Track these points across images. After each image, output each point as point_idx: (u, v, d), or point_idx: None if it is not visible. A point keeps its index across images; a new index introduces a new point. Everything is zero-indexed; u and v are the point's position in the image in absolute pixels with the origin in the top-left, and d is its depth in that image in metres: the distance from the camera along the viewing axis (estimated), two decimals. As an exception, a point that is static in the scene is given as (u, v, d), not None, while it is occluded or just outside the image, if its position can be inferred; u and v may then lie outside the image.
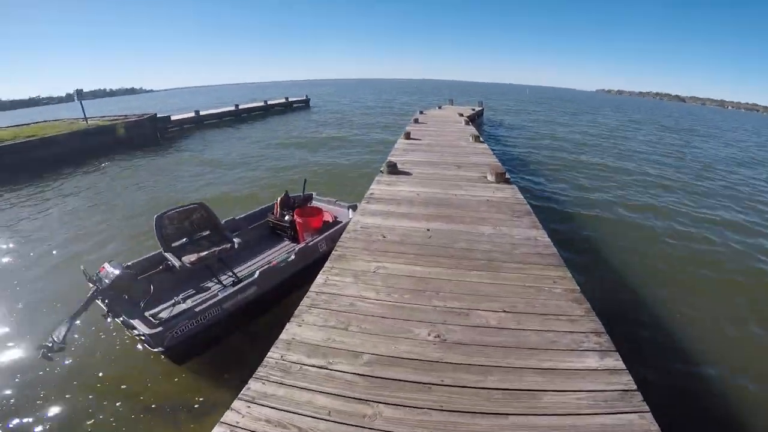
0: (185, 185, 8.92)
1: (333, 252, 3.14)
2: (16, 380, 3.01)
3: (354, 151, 12.12)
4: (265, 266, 3.37)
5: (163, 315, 3.06)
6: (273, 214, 4.72)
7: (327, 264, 2.93)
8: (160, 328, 2.61)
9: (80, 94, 12.58)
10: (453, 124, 11.86)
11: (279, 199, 4.75)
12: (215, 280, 3.54)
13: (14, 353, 3.33)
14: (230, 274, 3.62)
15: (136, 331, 2.70)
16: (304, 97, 28.46)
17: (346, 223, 3.94)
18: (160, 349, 2.60)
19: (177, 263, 3.11)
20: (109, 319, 2.86)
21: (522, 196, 4.79)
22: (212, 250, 3.34)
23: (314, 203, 5.20)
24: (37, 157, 11.14)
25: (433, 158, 6.88)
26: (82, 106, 12.93)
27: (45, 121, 16.17)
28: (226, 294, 3.04)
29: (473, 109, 17.44)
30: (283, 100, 26.26)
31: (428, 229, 3.69)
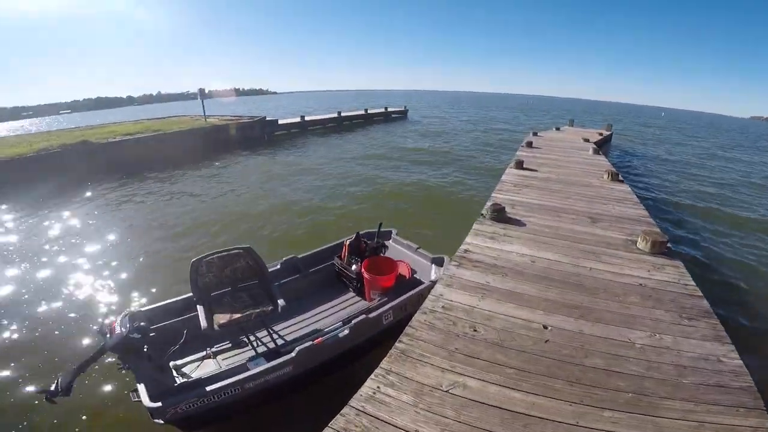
0: (276, 189, 8.93)
1: (396, 343, 2.31)
2: None
3: (452, 173, 10.53)
4: (308, 342, 2.60)
5: (187, 370, 2.70)
6: (341, 257, 3.82)
7: (383, 364, 2.14)
8: (159, 404, 2.13)
9: (202, 93, 13.77)
10: (577, 152, 9.62)
11: (348, 241, 3.80)
12: (250, 342, 2.91)
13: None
14: (269, 337, 2.95)
15: (135, 396, 2.22)
16: (403, 108, 28.06)
17: (425, 288, 3.13)
18: (160, 422, 2.13)
19: (204, 323, 2.52)
20: (123, 371, 2.44)
21: (694, 283, 3.06)
22: (248, 312, 2.67)
23: (392, 243, 4.15)
24: (161, 150, 12.40)
25: (554, 201, 5.19)
26: (203, 105, 14.11)
27: (174, 117, 18.45)
28: (252, 373, 2.43)
29: (600, 134, 14.31)
30: (383, 110, 26.20)
31: (546, 327, 2.47)
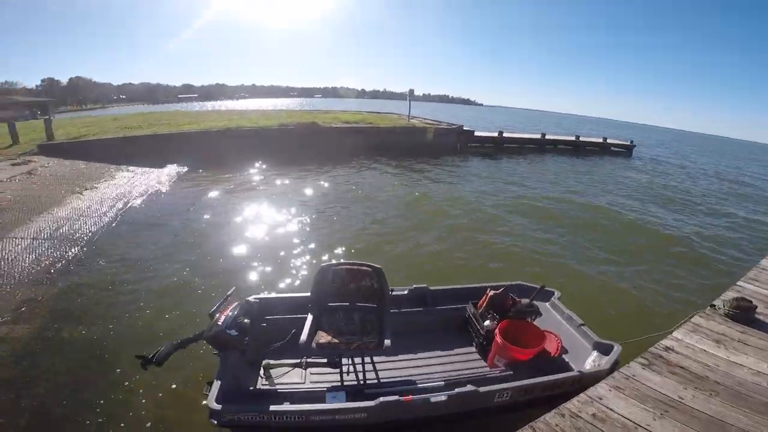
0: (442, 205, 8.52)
1: None
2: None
3: (681, 271, 5.77)
4: (395, 397, 2.21)
5: (275, 373, 2.58)
6: (476, 306, 3.17)
7: None
8: (219, 407, 2.06)
9: (411, 94, 14.82)
10: None
11: (491, 292, 3.08)
12: (343, 366, 2.64)
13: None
14: (362, 369, 2.66)
15: (207, 389, 2.24)
16: (628, 142, 22.40)
17: (571, 379, 2.41)
18: (213, 422, 2.09)
19: (304, 337, 2.37)
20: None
21: None
22: (350, 341, 2.44)
23: (548, 307, 3.26)
24: (369, 141, 14.22)
25: None
26: (410, 105, 15.22)
27: (383, 112, 20.77)
28: (322, 408, 2.22)
29: None
30: (600, 140, 21.90)
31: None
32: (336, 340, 2.40)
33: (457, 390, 2.26)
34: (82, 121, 17.11)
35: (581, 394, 2.11)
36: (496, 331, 2.78)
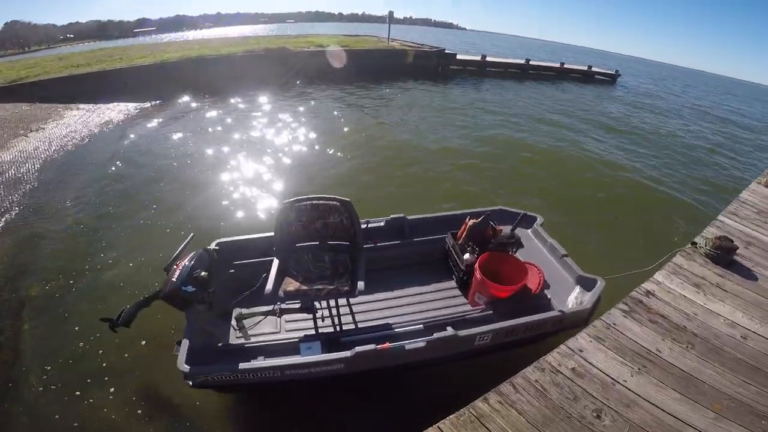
0: (421, 125, 8.19)
1: (477, 403, 1.68)
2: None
3: (657, 164, 7.44)
4: (371, 346, 2.07)
5: (248, 323, 2.45)
6: (456, 237, 2.98)
7: (442, 427, 1.56)
8: (188, 368, 1.94)
9: (391, 17, 13.54)
10: None
11: (470, 220, 2.88)
12: (318, 311, 2.49)
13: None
14: (338, 314, 2.50)
15: (177, 349, 2.08)
16: (613, 71, 21.21)
17: (552, 320, 2.29)
18: (188, 383, 2.00)
19: (270, 285, 2.16)
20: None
21: None
22: (320, 287, 2.23)
23: (530, 234, 3.11)
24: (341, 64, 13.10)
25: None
26: (389, 28, 13.98)
27: (361, 35, 19.11)
28: (296, 362, 2.07)
29: None
30: (584, 68, 20.78)
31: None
32: (305, 287, 2.22)
33: (435, 335, 2.16)
34: (22, 63, 15.25)
35: (561, 346, 2.03)
36: (476, 265, 2.61)
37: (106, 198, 4.69)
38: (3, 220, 4.14)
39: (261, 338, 2.42)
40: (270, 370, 2.03)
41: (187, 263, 2.06)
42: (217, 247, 2.60)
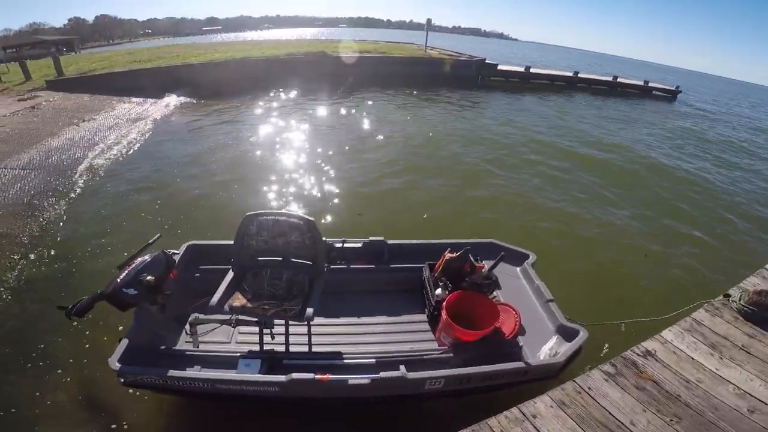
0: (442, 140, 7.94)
1: None
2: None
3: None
4: (310, 375, 1.96)
5: (201, 330, 2.33)
6: (433, 269, 2.78)
7: None
8: (118, 367, 1.94)
9: (429, 24, 13.49)
10: None
11: (448, 254, 2.67)
12: (272, 327, 2.35)
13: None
14: (291, 333, 2.35)
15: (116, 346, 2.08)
16: (673, 87, 19.32)
17: (518, 371, 2.10)
18: (121, 381, 2.01)
19: (216, 297, 2.09)
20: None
21: None
22: (266, 306, 2.13)
23: (519, 273, 2.87)
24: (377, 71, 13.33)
25: None
26: (426, 36, 13.95)
27: (400, 42, 19.26)
28: (229, 377, 2.01)
29: None
30: (640, 83, 19.25)
31: None
32: (251, 305, 2.13)
33: (382, 373, 2.02)
34: (99, 56, 16.95)
35: (513, 408, 1.78)
36: (444, 304, 2.40)
37: (139, 183, 5.11)
38: (36, 201, 4.57)
39: (209, 347, 2.35)
40: (199, 381, 1.98)
41: (136, 265, 2.05)
42: (178, 251, 2.60)
